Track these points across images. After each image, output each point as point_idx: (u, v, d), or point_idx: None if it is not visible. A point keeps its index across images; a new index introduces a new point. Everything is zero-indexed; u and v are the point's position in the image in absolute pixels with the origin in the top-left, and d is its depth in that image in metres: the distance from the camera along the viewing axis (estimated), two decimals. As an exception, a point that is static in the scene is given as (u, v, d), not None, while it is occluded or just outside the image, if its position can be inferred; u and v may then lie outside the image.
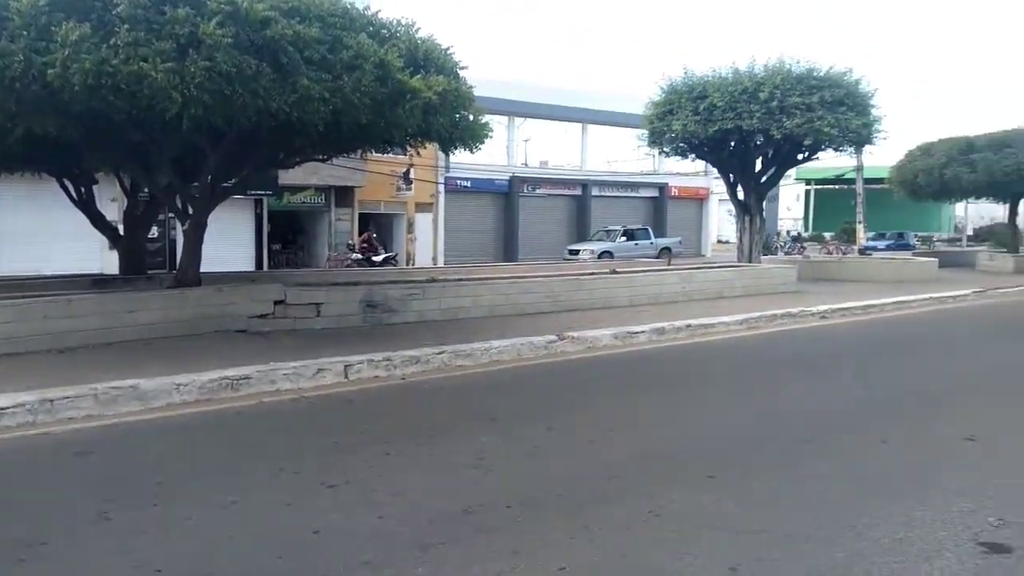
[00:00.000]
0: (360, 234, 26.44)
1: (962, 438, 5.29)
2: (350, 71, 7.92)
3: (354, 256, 23.12)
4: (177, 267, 11.23)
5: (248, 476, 4.53)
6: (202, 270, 11.12)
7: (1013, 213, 26.08)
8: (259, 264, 24.01)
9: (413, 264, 24.15)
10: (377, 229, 29.20)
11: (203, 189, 10.84)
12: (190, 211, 11.12)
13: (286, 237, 27.03)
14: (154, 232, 19.29)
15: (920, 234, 45.04)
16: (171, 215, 14.31)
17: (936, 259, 22.03)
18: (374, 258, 23.07)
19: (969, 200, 33.84)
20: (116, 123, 8.24)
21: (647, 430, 5.60)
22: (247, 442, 5.35)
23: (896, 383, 7.40)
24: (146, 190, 12.86)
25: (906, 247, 38.12)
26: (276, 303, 9.68)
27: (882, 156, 24.99)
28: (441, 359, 7.92)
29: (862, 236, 33.74)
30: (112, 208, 16.06)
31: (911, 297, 14.49)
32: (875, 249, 34.75)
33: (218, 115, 7.54)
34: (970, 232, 48.24)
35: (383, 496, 4.20)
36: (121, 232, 13.48)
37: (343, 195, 26.60)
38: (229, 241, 22.52)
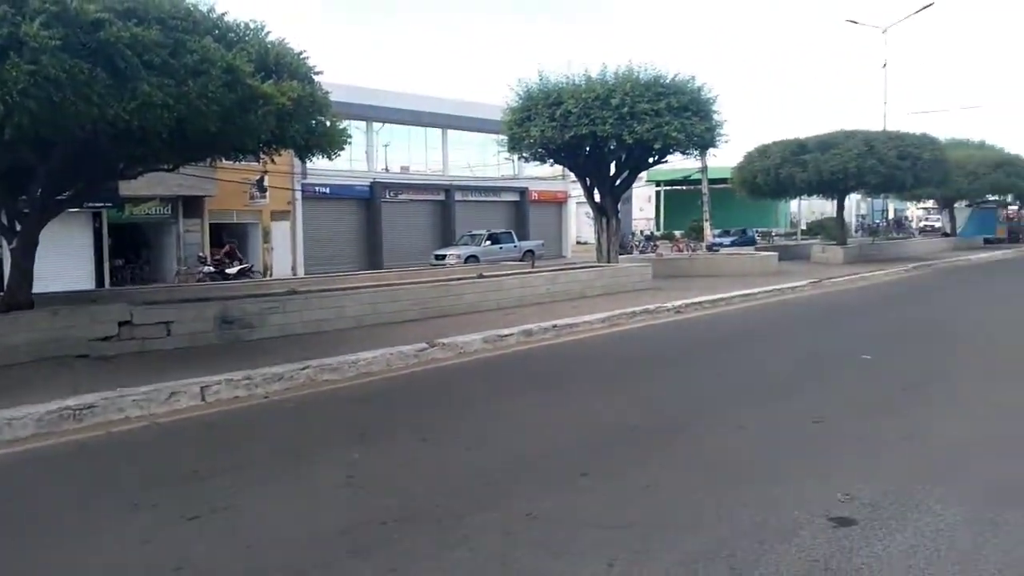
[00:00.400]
0: (213, 246, 25.15)
1: (811, 420, 5.71)
2: (195, 76, 7.53)
3: (206, 269, 21.94)
4: (5, 289, 10.21)
5: (99, 513, 4.18)
6: (35, 291, 10.19)
7: (840, 208, 28.51)
8: (100, 282, 22.28)
9: (271, 275, 23.22)
10: (231, 238, 27.92)
11: (32, 203, 9.96)
12: (18, 227, 10.17)
13: (129, 252, 25.25)
14: (-25, 251, 17.46)
15: (761, 230, 48.41)
16: (-5, 232, 13.00)
17: (776, 253, 23.69)
18: (228, 271, 21.99)
19: (802, 197, 36.66)
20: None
21: (521, 433, 5.66)
22: (96, 477, 4.93)
23: (747, 372, 7.88)
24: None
25: (749, 242, 40.83)
26: (121, 324, 9.00)
27: (725, 158, 26.59)
28: (306, 374, 7.65)
29: (709, 233, 35.74)
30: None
31: (756, 290, 15.51)
32: (721, 245, 36.91)
33: (46, 124, 6.93)
34: (804, 227, 52.48)
35: (251, 524, 3.99)
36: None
37: (192, 205, 25.19)
38: (65, 258, 20.83)
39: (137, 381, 6.88)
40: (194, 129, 8.09)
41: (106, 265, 22.87)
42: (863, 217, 62.82)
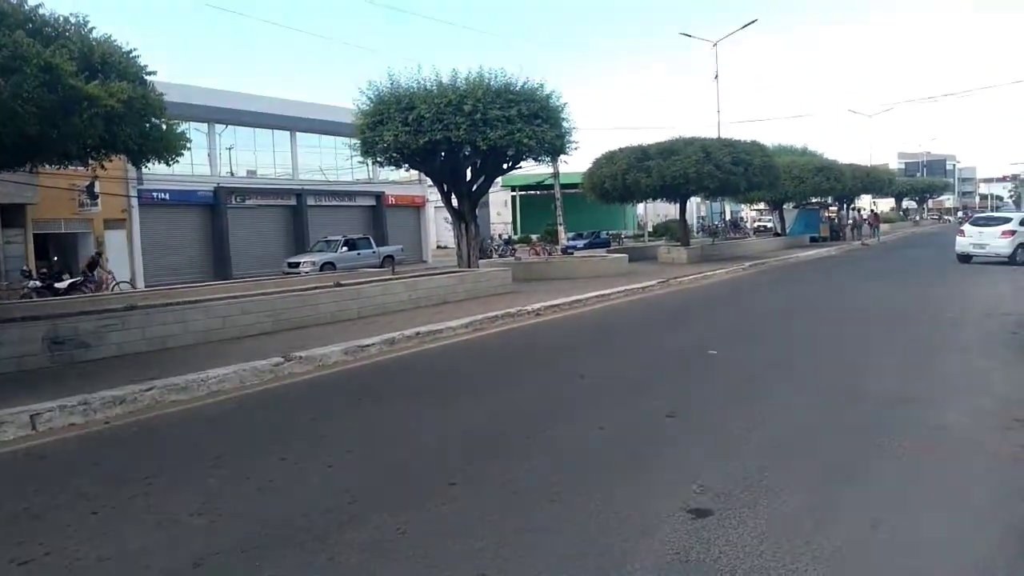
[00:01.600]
0: (39, 258, 23.02)
1: (665, 415, 5.99)
2: (7, 74, 6.86)
3: (31, 284, 20.01)
4: None
5: (-95, 571, 3.69)
6: None
7: (683, 211, 30.23)
8: (-101, 301, 19.76)
9: (107, 288, 21.50)
10: (60, 251, 25.65)
11: None
12: None
13: (-64, 266, 22.57)
14: None
15: (611, 232, 50.46)
16: None
17: (626, 255, 24.77)
18: (57, 285, 20.18)
19: (648, 200, 38.54)
20: None
21: (384, 446, 5.56)
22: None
23: (604, 371, 8.16)
24: None
25: (603, 244, 42.43)
26: (-72, 349, 8.03)
27: (576, 163, 27.59)
28: (151, 396, 7.14)
29: (563, 237, 36.86)
30: None
31: (610, 290, 16.13)
32: (575, 248, 38.15)
33: None
34: (651, 229, 55.25)
35: (91, 564, 3.68)
36: None
37: (13, 214, 22.91)
38: None
39: (-50, 414, 6.15)
40: (9, 132, 7.38)
41: (-94, 282, 20.33)
42: (703, 219, 67.04)
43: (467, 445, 5.47)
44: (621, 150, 26.99)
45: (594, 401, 6.71)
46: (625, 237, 51.58)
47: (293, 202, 33.27)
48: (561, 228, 36.61)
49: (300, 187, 33.32)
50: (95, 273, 21.77)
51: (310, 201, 33.63)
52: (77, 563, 3.70)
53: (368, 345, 9.74)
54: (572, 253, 32.51)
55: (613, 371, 8.17)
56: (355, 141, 19.03)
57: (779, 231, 42.39)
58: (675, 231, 41.13)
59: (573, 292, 15.72)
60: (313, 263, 27.09)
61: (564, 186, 38.24)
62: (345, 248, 29.18)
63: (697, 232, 60.71)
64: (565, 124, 18.33)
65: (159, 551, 3.80)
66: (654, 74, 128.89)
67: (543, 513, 4.11)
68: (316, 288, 13.82)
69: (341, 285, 14.05)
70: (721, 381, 7.38)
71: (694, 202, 57.91)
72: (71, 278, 21.47)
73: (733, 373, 7.72)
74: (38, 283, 20.01)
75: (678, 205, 29.71)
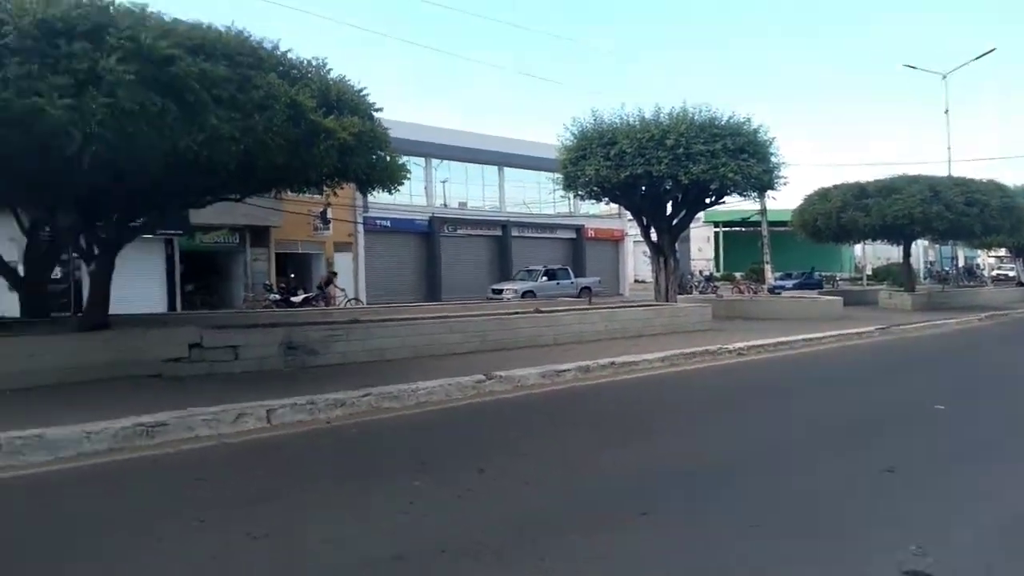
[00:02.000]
0: (279, 275, 25.89)
1: (882, 470, 5.50)
2: (261, 110, 7.79)
3: (272, 297, 22.54)
4: (83, 309, 10.65)
5: (170, 526, 4.28)
6: (110, 312, 10.62)
7: (907, 254, 27.69)
8: (172, 306, 23.11)
9: (336, 304, 23.68)
10: (296, 269, 28.63)
11: (109, 229, 10.41)
12: (96, 251, 10.64)
13: (200, 278, 26.13)
14: (57, 273, 18.28)
15: (824, 273, 47.33)
16: (75, 255, 13.65)
17: (841, 297, 23.13)
18: (293, 299, 22.55)
19: (866, 242, 35.85)
20: (11, 158, 7.82)
21: (579, 469, 5.60)
22: (166, 492, 5.06)
23: (814, 418, 7.66)
24: (47, 229, 12.23)
25: (815, 285, 39.90)
26: (191, 346, 9.30)
27: (785, 200, 26.45)
28: (367, 401, 7.75)
29: (770, 275, 35.23)
30: (11, 248, 15.16)
31: (821, 334, 15.13)
32: (784, 288, 36.29)
33: (122, 153, 7.27)
34: (869, 272, 51.14)
35: (312, 545, 4.04)
36: (21, 273, 12.72)
37: (259, 235, 26.01)
38: (139, 282, 21.63)
39: (206, 401, 7.07)
40: (261, 162, 8.36)
41: (177, 290, 23.70)
42: (931, 264, 60.92)
43: (659, 479, 5.36)
44: (836, 187, 25.40)
45: (800, 447, 6.32)
46: (840, 279, 48.17)
47: (499, 232, 34.79)
48: (768, 266, 35.07)
49: (506, 219, 34.80)
50: (327, 290, 24.08)
51: (514, 232, 35.00)
52: (300, 542, 4.08)
53: (564, 370, 9.89)
54: (780, 293, 30.96)
55: (824, 417, 7.66)
56: (558, 175, 19.58)
57: (1022, 280, 37.57)
58: (897, 275, 37.80)
59: (779, 334, 14.94)
60: (515, 290, 28.04)
61: (772, 223, 36.62)
62: (545, 278, 29.93)
63: (924, 278, 55.32)
64: (773, 159, 17.67)
65: (367, 541, 4.10)
66: (872, 109, 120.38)
67: (738, 557, 3.93)
68: (517, 314, 14.28)
69: (540, 312, 14.42)
70: (948, 439, 6.66)
71: (920, 245, 52.95)
72: (305, 293, 23.92)
73: (963, 432, 6.94)
74: (277, 296, 22.50)
75: (901, 247, 27.34)
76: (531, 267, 31.58)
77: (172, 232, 22.37)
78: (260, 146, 7.95)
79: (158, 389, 8.17)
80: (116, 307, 11.82)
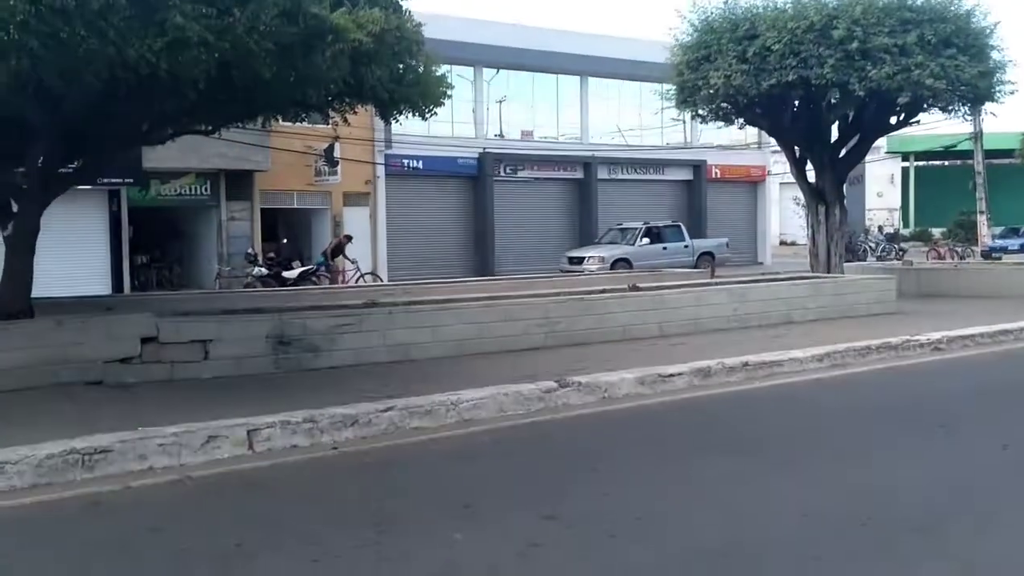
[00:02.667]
0: (266, 240, 26.43)
1: None
2: (243, 3, 7.89)
3: (256, 271, 23.06)
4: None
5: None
6: (34, 295, 11.00)
7: None
8: (118, 285, 23.84)
9: (345, 282, 24.09)
10: (290, 231, 29.14)
11: (32, 176, 10.75)
12: (12, 208, 11.02)
13: (156, 245, 26.86)
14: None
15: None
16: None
17: (1094, 263, 22.36)
18: (285, 274, 23.02)
19: None
20: None
21: (688, 517, 5.58)
22: (107, 549, 5.25)
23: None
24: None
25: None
26: (145, 341, 9.57)
27: (1010, 119, 25.48)
28: (389, 418, 7.85)
29: (986, 232, 34.26)
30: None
31: (1059, 318, 14.66)
32: (1005, 250, 35.27)
33: (51, 68, 7.47)
34: None
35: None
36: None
37: (238, 183, 26.55)
38: (73, 252, 22.33)
39: (165, 419, 7.26)
40: (241, 76, 8.49)
41: (126, 263, 24.44)
42: None
43: (818, 532, 5.31)
44: (1090, 95, 24.48)
45: (1017, 491, 6.18)
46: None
47: (580, 174, 34.71)
48: (983, 218, 34.13)
49: (590, 153, 34.69)
50: (335, 262, 24.43)
51: (602, 173, 34.86)
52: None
53: (673, 375, 9.83)
54: (1000, 258, 30.12)
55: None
56: (670, 87, 19.37)
57: None
58: None
59: (998, 319, 14.49)
60: (602, 259, 28.06)
61: (989, 153, 35.55)
62: (646, 240, 29.84)
63: None
64: (996, 55, 17.17)
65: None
66: None
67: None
68: (605, 292, 14.24)
69: (639, 289, 14.34)
70: None
71: None
72: (302, 266, 24.36)
73: None
74: (263, 271, 23.00)
75: None
76: (626, 224, 31.46)
77: (118, 181, 22.91)
78: (241, 53, 8.06)
79: (99, 401, 8.44)
80: (41, 287, 12.24)
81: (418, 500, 6.06)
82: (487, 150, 32.44)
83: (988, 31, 17.05)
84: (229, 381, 9.51)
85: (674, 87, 18.86)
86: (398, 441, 7.57)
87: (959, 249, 34.58)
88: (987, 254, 32.03)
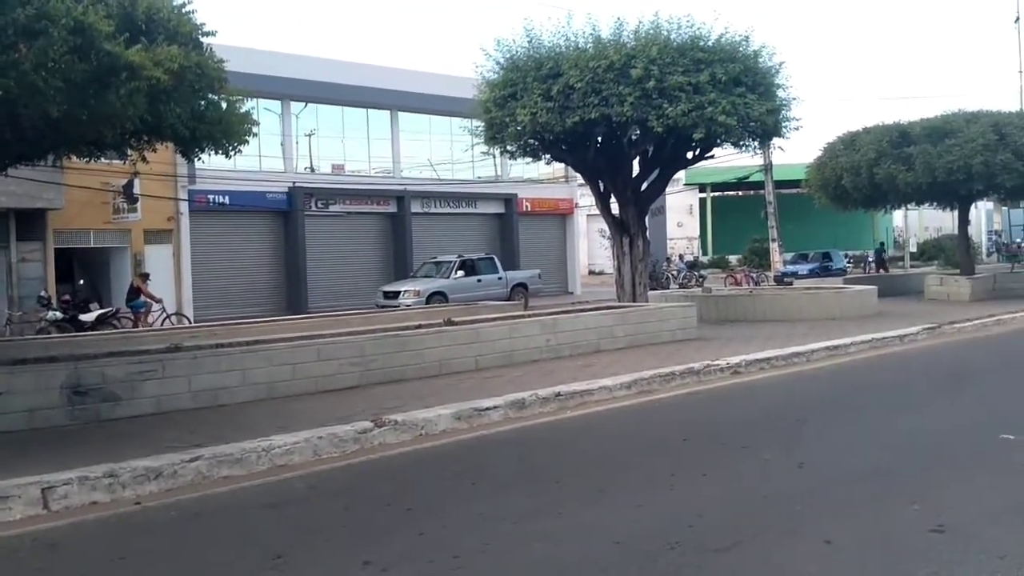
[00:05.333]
0: (60, 282, 25.14)
1: (927, 529, 5.70)
2: (30, 38, 7.58)
3: (51, 316, 21.86)
4: None
5: None
6: None
7: (963, 223, 28.79)
8: None
9: (147, 324, 23.11)
10: (87, 271, 27.87)
11: None
12: None
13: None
14: None
15: (851, 253, 48.94)
16: None
17: (875, 287, 23.87)
18: (82, 317, 21.93)
19: (908, 206, 37.13)
20: None
21: (509, 553, 5.61)
22: None
23: (835, 460, 7.88)
24: None
25: (837, 271, 41.23)
26: (-76, 396, 8.93)
27: (796, 152, 27.07)
28: (195, 469, 7.58)
29: (778, 259, 36.14)
30: None
31: (846, 340, 15.58)
32: (796, 275, 37.36)
33: None
34: (913, 248, 53.03)
35: None
36: None
37: (29, 222, 25.23)
38: None
39: (-54, 481, 6.80)
40: (29, 114, 8.14)
41: (-99, 309, 22.76)
42: (997, 234, 63.65)
43: (625, 560, 5.42)
44: (867, 131, 26.29)
45: (819, 503, 6.50)
46: (872, 261, 49.86)
47: (393, 208, 34.66)
48: (775, 246, 35.96)
49: (403, 187, 34.68)
50: (141, 300, 23.39)
51: (415, 207, 34.91)
52: None
53: (488, 408, 9.90)
54: (791, 283, 31.80)
55: (847, 459, 7.89)
56: (478, 123, 19.54)
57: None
58: (951, 253, 39.26)
59: (791, 342, 15.32)
60: (417, 292, 28.02)
61: (780, 184, 37.59)
62: (461, 272, 29.99)
63: (988, 254, 57.72)
64: (782, 93, 18.07)
65: None
66: (916, 23, 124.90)
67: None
68: (421, 328, 14.20)
69: (454, 324, 14.38)
70: (1019, 481, 6.94)
71: (982, 209, 55.30)
72: (101, 308, 23.26)
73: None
74: (59, 314, 21.80)
75: (955, 213, 28.48)
76: (440, 257, 31.57)
77: None
78: (28, 90, 7.74)
79: None
80: None
81: (228, 554, 5.85)
82: (297, 184, 31.92)
83: (774, 71, 17.90)
84: (21, 435, 8.98)
85: (483, 123, 19.00)
86: (207, 492, 7.31)
87: (754, 275, 36.32)
88: (780, 279, 33.73)
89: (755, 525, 6.01)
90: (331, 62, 32.89)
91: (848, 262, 45.71)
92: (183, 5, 10.03)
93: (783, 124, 18.29)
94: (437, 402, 10.09)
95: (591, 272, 51.12)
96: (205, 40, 10.23)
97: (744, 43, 17.47)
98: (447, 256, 31.36)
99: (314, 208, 32.40)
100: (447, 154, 36.30)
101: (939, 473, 7.32)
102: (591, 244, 50.49)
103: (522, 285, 31.28)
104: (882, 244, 49.15)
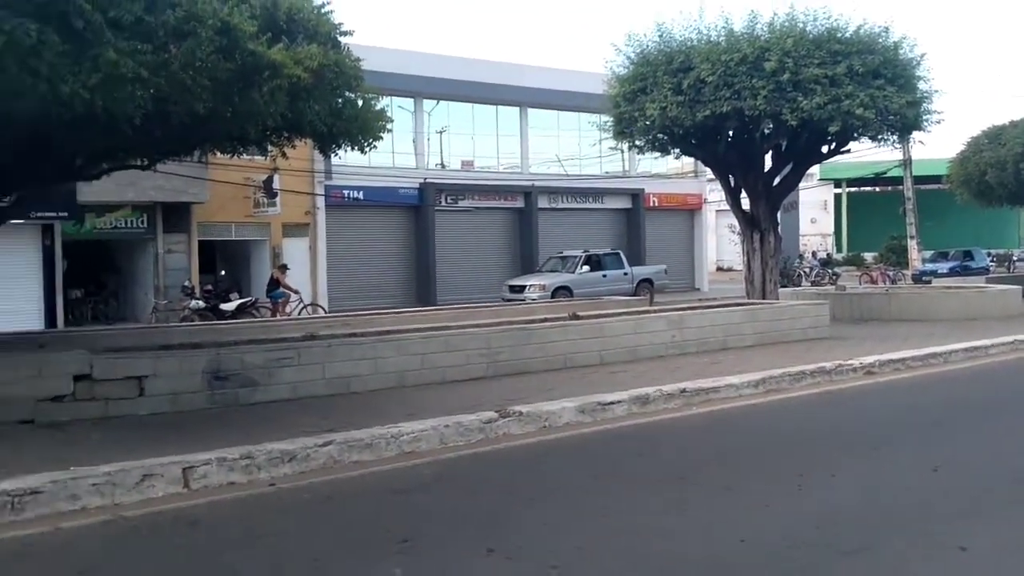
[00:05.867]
0: (204, 272, 26.15)
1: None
2: (179, 39, 7.86)
3: (194, 304, 22.77)
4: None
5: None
6: (-36, 332, 10.79)
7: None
8: (51, 319, 23.42)
9: (285, 313, 23.82)
10: (228, 263, 28.86)
11: (-39, 212, 10.58)
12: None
13: (91, 279, 26.46)
14: None
15: (994, 251, 46.93)
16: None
17: (1020, 287, 22.90)
18: (224, 307, 22.76)
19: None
20: None
21: (632, 547, 5.60)
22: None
23: (975, 466, 7.62)
24: None
25: (979, 270, 39.59)
26: (78, 379, 9.38)
27: (937, 147, 26.16)
28: (327, 453, 7.78)
29: (916, 257, 34.97)
30: None
31: (987, 342, 15.01)
32: (935, 274, 36.00)
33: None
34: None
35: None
36: None
37: (175, 215, 26.29)
38: (5, 287, 21.96)
39: (98, 458, 7.12)
40: (178, 111, 8.44)
41: (59, 297, 24.01)
42: None
43: (750, 559, 5.35)
44: (1013, 124, 25.32)
45: (954, 511, 6.29)
46: (1018, 260, 47.71)
47: (520, 203, 34.83)
48: (913, 243, 34.84)
49: (530, 183, 34.83)
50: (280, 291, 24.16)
51: (542, 202, 35.01)
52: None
53: (612, 403, 9.88)
54: (930, 282, 30.76)
55: (985, 466, 7.61)
56: (607, 118, 19.54)
57: None
58: (1104, 252, 37.30)
59: (928, 342, 14.83)
60: (543, 287, 28.11)
61: (920, 180, 36.34)
62: (586, 267, 29.98)
63: None
64: (922, 86, 17.60)
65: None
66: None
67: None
68: (546, 321, 14.29)
69: (579, 318, 14.40)
70: None
71: None
72: (240, 297, 24.10)
73: None
74: (201, 303, 22.71)
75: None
76: (566, 252, 31.60)
77: (52, 215, 22.63)
78: (178, 89, 8.02)
79: (30, 441, 8.25)
80: (-29, 324, 12.01)
81: (357, 536, 6.00)
82: (428, 180, 32.41)
83: (915, 62, 17.47)
84: (164, 418, 9.36)
85: (611, 118, 19.02)
86: (338, 476, 7.50)
87: (891, 273, 35.27)
88: (918, 278, 32.69)
89: (886, 528, 5.87)
90: (462, 60, 33.22)
91: (991, 261, 43.82)
92: (323, 5, 10.27)
93: (923, 117, 17.85)
94: (561, 395, 10.11)
95: (719, 268, 50.41)
96: (343, 39, 10.46)
97: (884, 34, 17.12)
98: (573, 251, 31.39)
99: (444, 203, 32.83)
100: (575, 150, 36.34)
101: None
102: (720, 239, 49.71)
103: (648, 281, 31.08)
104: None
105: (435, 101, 33.29)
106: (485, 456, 8.21)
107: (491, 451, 8.37)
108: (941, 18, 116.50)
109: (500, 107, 34.90)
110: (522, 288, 28.51)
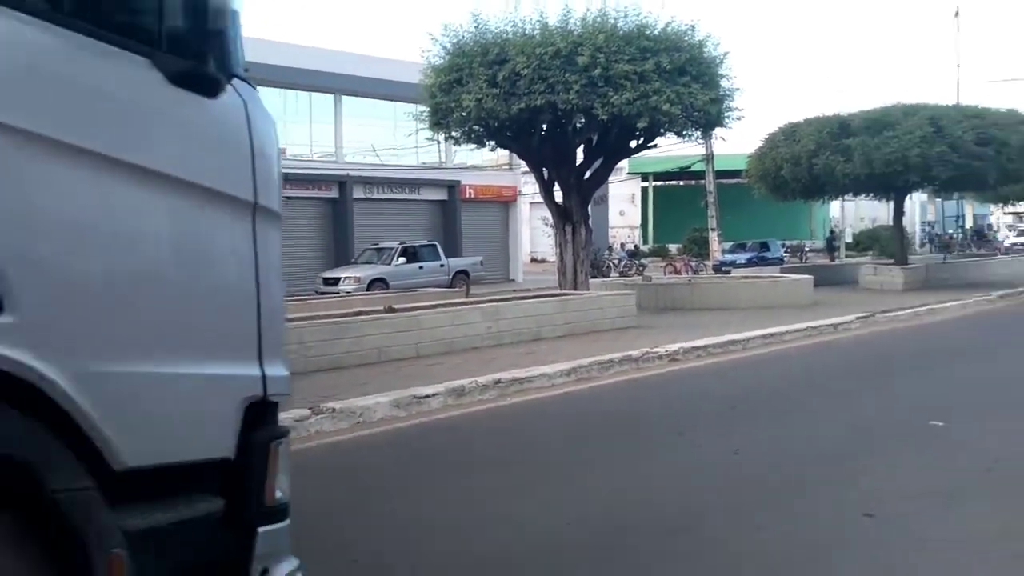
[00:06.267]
0: None
1: (861, 514, 5.78)
2: None
3: None
4: None
5: None
6: None
7: (899, 214, 29.23)
8: None
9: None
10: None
11: None
12: None
13: None
14: None
15: (789, 243, 49.54)
16: None
17: (811, 277, 24.15)
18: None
19: (845, 197, 37.67)
20: None
21: (449, 540, 5.58)
22: None
23: (769, 446, 7.96)
24: None
25: (774, 261, 41.75)
26: None
27: (738, 142, 27.19)
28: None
29: (717, 248, 36.47)
30: None
31: (782, 328, 15.79)
32: (734, 264, 37.67)
33: None
34: (849, 239, 53.85)
35: None
36: None
37: None
38: None
39: None
40: None
41: None
42: (930, 225, 64.97)
43: (564, 547, 5.43)
44: (807, 122, 26.56)
45: (757, 489, 6.56)
46: (810, 250, 50.57)
47: (334, 194, 34.31)
48: (714, 235, 36.28)
49: (344, 173, 34.30)
50: None
51: (357, 193, 34.59)
52: None
53: (428, 396, 9.86)
54: (729, 272, 32.12)
55: (782, 447, 7.98)
56: (423, 109, 19.41)
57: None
58: (886, 243, 39.92)
59: (728, 329, 15.47)
60: (358, 279, 27.78)
61: (721, 174, 37.87)
62: (402, 259, 29.80)
63: (922, 245, 58.79)
64: (725, 84, 18.19)
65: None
66: (858, 16, 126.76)
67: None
68: (360, 314, 14.12)
69: (394, 311, 14.31)
70: (948, 468, 7.09)
71: (917, 201, 56.30)
72: None
73: (967, 458, 7.39)
74: None
75: (891, 205, 28.93)
76: (382, 244, 31.32)
77: None
78: None
79: None
80: None
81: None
82: (237, 169, 31.41)
83: (718, 61, 18.01)
84: None
85: (428, 109, 18.88)
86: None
87: (693, 264, 36.64)
88: (718, 268, 34.07)
89: (698, 508, 6.06)
90: (273, 43, 32.27)
91: (785, 251, 46.23)
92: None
93: (726, 114, 18.43)
94: (376, 389, 10.02)
95: (533, 260, 51.19)
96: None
97: (689, 33, 17.58)
98: (389, 243, 31.13)
99: (255, 192, 31.89)
100: (392, 140, 36.02)
101: (869, 459, 7.41)
102: (533, 232, 50.51)
103: (464, 272, 31.20)
104: (832, 232, 50.07)
105: (244, 87, 32.31)
106: (297, 455, 8.02)
107: (302, 449, 8.15)
108: (742, 18, 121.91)
109: (314, 94, 34.23)
110: (336, 280, 28.08)
